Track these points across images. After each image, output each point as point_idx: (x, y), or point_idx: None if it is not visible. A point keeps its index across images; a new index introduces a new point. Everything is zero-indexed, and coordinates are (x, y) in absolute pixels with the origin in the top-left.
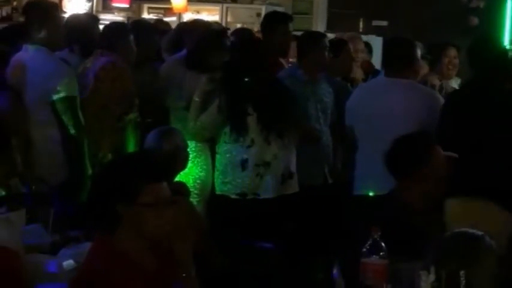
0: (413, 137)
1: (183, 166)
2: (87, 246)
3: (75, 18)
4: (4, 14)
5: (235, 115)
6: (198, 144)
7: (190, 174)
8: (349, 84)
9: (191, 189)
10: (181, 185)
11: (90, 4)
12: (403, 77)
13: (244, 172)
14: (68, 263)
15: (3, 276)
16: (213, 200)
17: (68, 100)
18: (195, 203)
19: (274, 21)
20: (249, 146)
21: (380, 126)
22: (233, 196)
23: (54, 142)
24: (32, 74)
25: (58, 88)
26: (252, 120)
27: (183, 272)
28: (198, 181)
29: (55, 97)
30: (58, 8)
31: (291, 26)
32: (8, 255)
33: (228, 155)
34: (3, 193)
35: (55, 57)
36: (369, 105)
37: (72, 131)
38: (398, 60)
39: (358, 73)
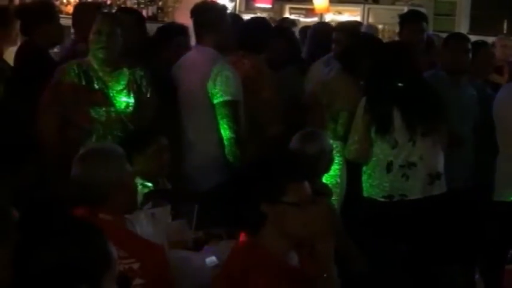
0: None
1: (326, 169)
2: (229, 244)
3: None
4: (150, 13)
5: (379, 116)
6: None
7: (334, 177)
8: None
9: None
10: (323, 186)
11: (233, 4)
12: None
13: (389, 174)
14: (211, 260)
15: (150, 270)
16: (359, 203)
17: (232, 104)
18: (333, 202)
19: (406, 20)
20: (393, 148)
21: None
22: (380, 199)
23: (214, 145)
24: (199, 75)
25: (223, 91)
26: (396, 121)
27: (324, 273)
28: (336, 181)
29: (219, 100)
30: (227, 10)
31: (424, 24)
32: (153, 250)
33: (374, 158)
34: (151, 187)
35: (223, 60)
36: (506, 110)
37: (232, 135)
38: None
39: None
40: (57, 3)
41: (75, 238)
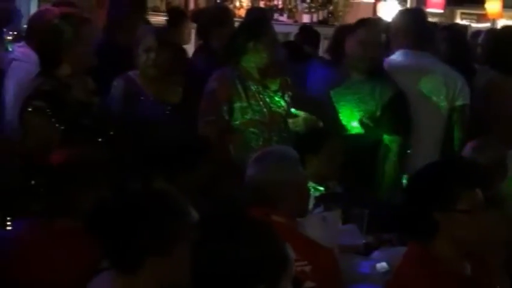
0: None
1: (501, 179)
2: (400, 250)
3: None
4: (321, 17)
5: None
6: None
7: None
8: None
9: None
10: (495, 195)
11: None
12: None
13: None
14: (382, 265)
15: (320, 273)
16: None
17: (466, 109)
18: None
19: None
20: None
21: None
22: None
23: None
24: (431, 79)
25: (466, 95)
26: None
27: (496, 284)
28: None
29: (461, 103)
30: None
31: None
32: (324, 254)
33: None
34: (322, 191)
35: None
36: None
37: (463, 139)
38: None
39: None
40: (231, 6)
41: (257, 239)
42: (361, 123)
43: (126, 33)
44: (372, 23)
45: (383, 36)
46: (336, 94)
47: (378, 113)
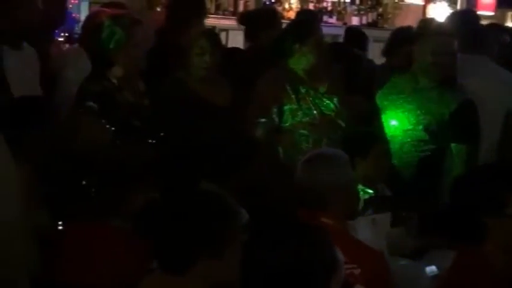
0: None
1: None
2: (450, 254)
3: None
4: (370, 20)
5: None
6: None
7: None
8: None
9: None
10: None
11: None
12: None
13: None
14: (431, 269)
15: (370, 277)
16: None
17: None
18: None
19: None
20: None
21: None
22: None
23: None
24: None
25: None
26: None
27: None
28: None
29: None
30: None
31: None
32: (374, 257)
33: None
34: (371, 193)
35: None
36: None
37: None
38: None
39: None
40: (280, 8)
41: (306, 242)
42: (426, 129)
43: (186, 36)
44: (446, 30)
45: (456, 44)
46: (382, 95)
47: (445, 120)
